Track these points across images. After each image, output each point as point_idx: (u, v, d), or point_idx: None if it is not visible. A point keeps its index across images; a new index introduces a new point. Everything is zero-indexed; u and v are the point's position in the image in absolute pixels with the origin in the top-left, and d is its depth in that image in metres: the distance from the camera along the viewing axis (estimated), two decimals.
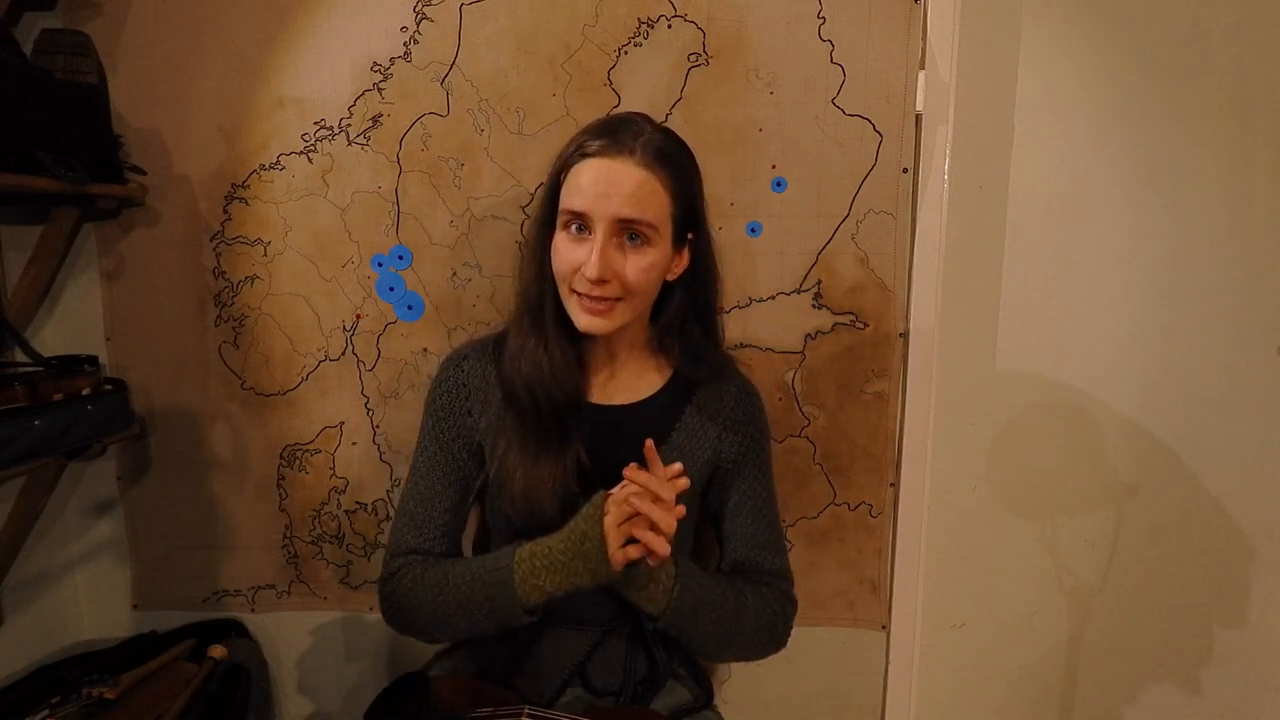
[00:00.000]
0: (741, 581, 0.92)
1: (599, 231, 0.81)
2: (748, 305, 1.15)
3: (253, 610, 1.26)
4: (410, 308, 1.17)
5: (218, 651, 1.14)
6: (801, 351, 1.16)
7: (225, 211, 1.16)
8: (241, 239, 1.16)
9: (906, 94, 1.09)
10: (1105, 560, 1.27)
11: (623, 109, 1.10)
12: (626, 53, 1.10)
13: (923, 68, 1.10)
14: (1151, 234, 1.18)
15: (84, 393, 1.04)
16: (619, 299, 0.83)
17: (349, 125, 1.13)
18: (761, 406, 0.98)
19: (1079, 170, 1.18)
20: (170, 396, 1.20)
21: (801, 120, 1.10)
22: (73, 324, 1.19)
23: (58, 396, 1.00)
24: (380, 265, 1.16)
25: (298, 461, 1.21)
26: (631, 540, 0.80)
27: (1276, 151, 1.15)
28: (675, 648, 0.98)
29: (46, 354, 1.07)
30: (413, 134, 1.13)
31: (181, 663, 1.12)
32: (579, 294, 0.83)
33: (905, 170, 1.11)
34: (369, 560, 1.23)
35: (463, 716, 0.84)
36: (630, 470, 0.80)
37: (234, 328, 1.18)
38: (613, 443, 0.89)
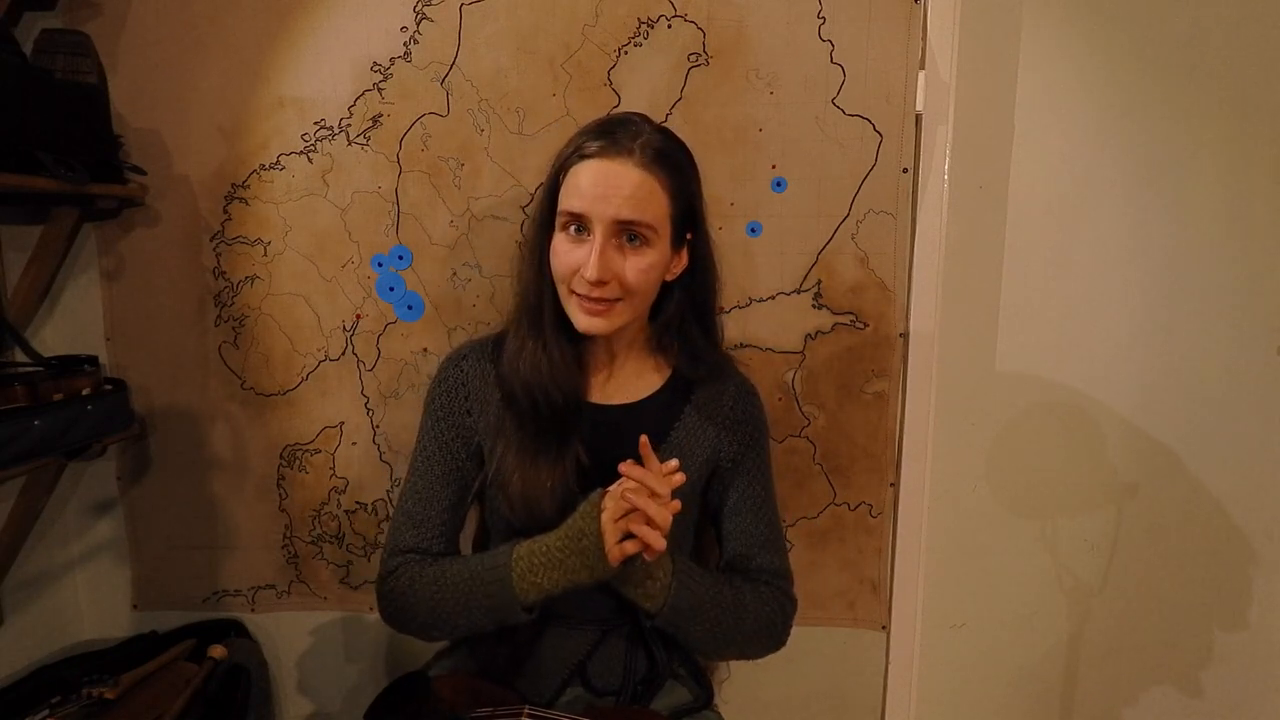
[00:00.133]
0: (741, 580, 0.92)
1: (598, 233, 0.81)
2: (748, 305, 1.15)
3: (253, 610, 1.26)
4: (410, 308, 1.17)
5: (218, 651, 1.14)
6: (801, 351, 1.16)
7: (225, 211, 1.16)
8: (241, 239, 1.17)
9: (906, 94, 1.09)
10: (1105, 560, 1.27)
11: (623, 109, 1.10)
12: (626, 53, 1.10)
13: (923, 68, 1.10)
14: (1151, 234, 1.18)
15: (84, 393, 1.04)
16: (618, 300, 0.84)
17: (349, 125, 1.13)
18: (760, 406, 0.98)
19: (1079, 170, 1.18)
20: (170, 396, 1.20)
21: (801, 120, 1.10)
22: (73, 324, 1.19)
23: (58, 396, 1.00)
24: (380, 265, 1.16)
25: (298, 461, 1.21)
26: (629, 536, 0.80)
27: (1276, 151, 1.15)
28: (675, 647, 0.98)
29: (46, 354, 1.07)
30: (413, 134, 1.13)
31: (181, 663, 1.12)
32: (578, 295, 0.84)
33: (905, 170, 1.11)
34: (369, 560, 1.23)
35: (463, 716, 0.84)
36: (626, 466, 0.80)
37: (234, 328, 1.18)
38: (612, 442, 0.89)
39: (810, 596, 1.21)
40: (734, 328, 1.15)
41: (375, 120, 1.13)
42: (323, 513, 1.22)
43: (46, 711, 1.01)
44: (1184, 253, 1.18)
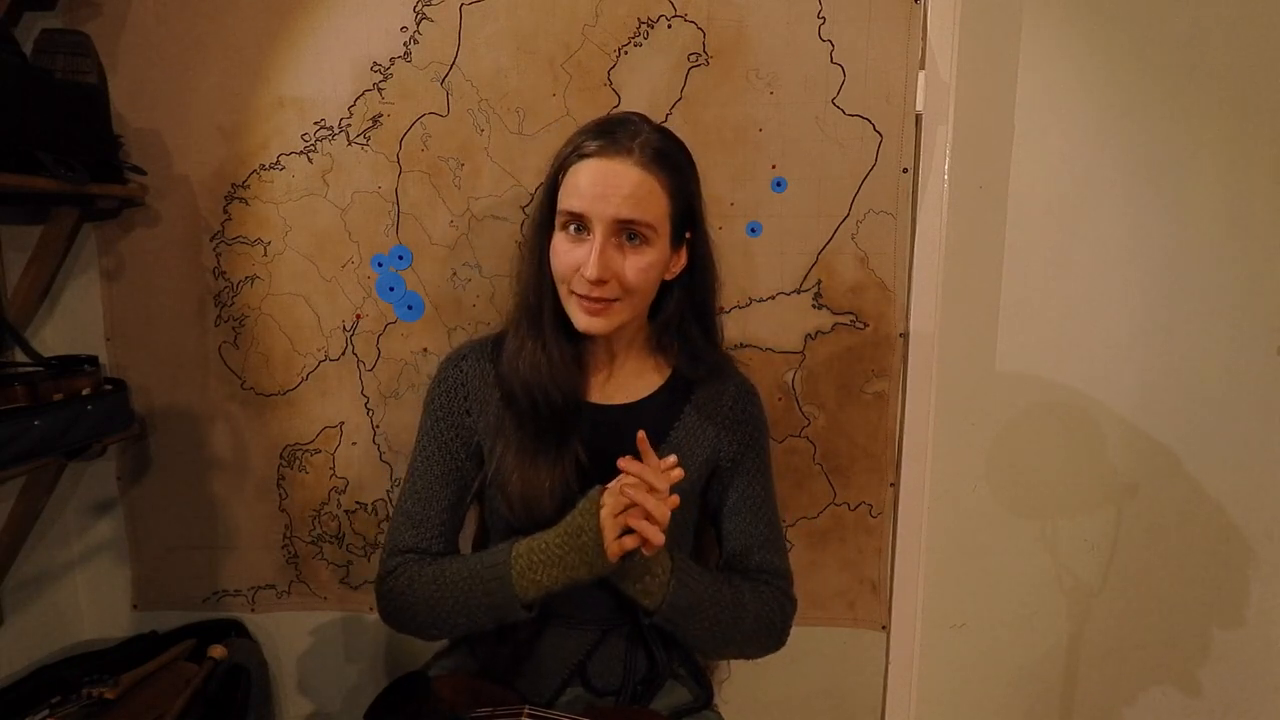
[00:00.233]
0: (740, 580, 0.92)
1: (597, 232, 0.81)
2: (748, 305, 1.15)
3: (253, 610, 1.26)
4: (410, 308, 1.17)
5: (218, 651, 1.14)
6: (801, 351, 1.16)
7: (225, 211, 1.16)
8: (241, 239, 1.17)
9: (906, 94, 1.09)
10: (1105, 560, 1.27)
11: (623, 109, 1.10)
12: (626, 53, 1.10)
13: (923, 68, 1.10)
14: (1151, 234, 1.18)
15: (84, 393, 1.04)
16: (617, 299, 0.84)
17: (349, 125, 1.13)
18: (760, 405, 0.98)
19: (1079, 170, 1.18)
20: (170, 396, 1.20)
21: (801, 120, 1.10)
22: (73, 324, 1.19)
23: (58, 396, 1.00)
24: (380, 265, 1.16)
25: (298, 461, 1.21)
26: (628, 531, 0.80)
27: (1276, 151, 1.15)
28: (675, 647, 0.98)
29: (46, 354, 1.07)
30: (413, 134, 1.13)
31: (181, 663, 1.12)
32: (578, 295, 0.84)
33: (905, 170, 1.11)
34: (369, 560, 1.23)
35: (463, 716, 0.84)
36: (624, 462, 0.80)
37: (234, 328, 1.18)
38: (612, 442, 0.89)
39: (810, 596, 1.21)
40: (734, 328, 1.15)
41: (375, 120, 1.13)
42: (323, 513, 1.22)
43: (46, 711, 1.01)
44: (1184, 253, 1.18)
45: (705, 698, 0.97)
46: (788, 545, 1.13)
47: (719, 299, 0.99)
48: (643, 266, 0.83)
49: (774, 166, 1.11)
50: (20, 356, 1.08)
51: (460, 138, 1.13)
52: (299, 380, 1.19)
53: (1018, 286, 1.20)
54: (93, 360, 1.08)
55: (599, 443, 0.89)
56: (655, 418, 0.93)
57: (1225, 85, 1.14)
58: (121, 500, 1.24)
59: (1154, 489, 1.24)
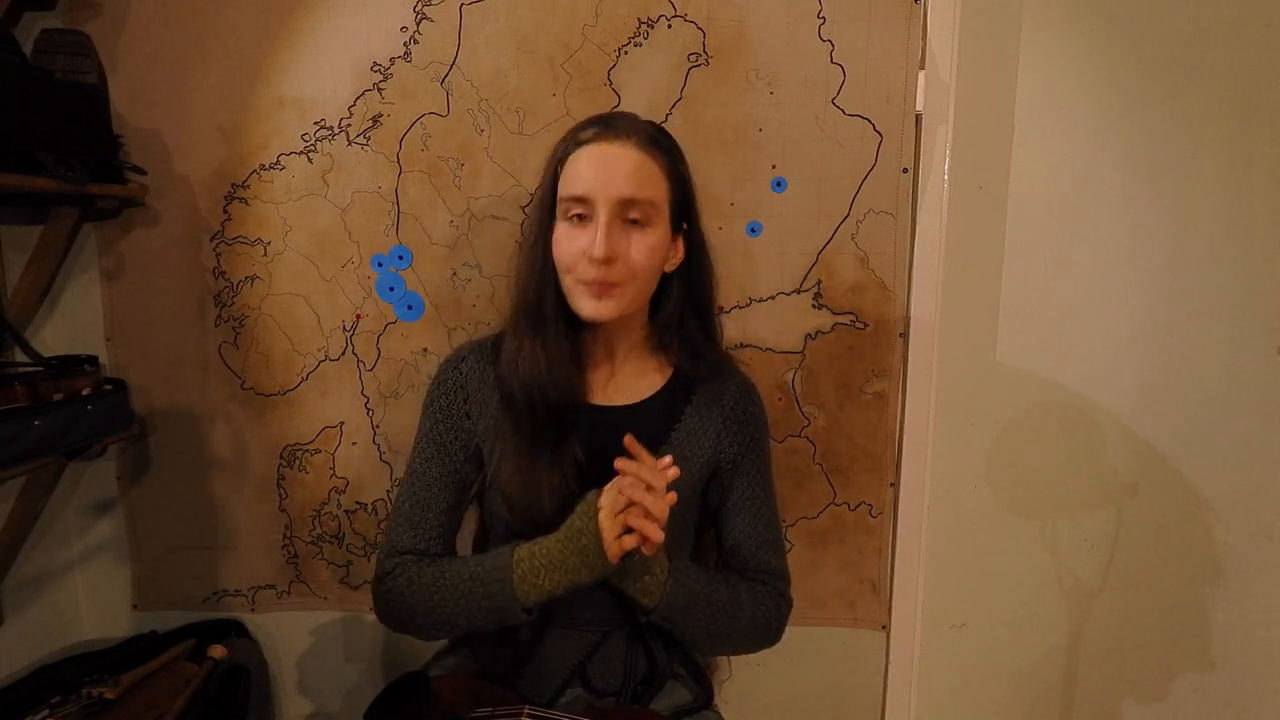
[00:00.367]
0: (737, 579, 0.92)
1: (601, 213, 0.81)
2: (748, 305, 1.15)
3: (253, 610, 1.26)
4: (410, 308, 1.17)
5: (218, 651, 1.14)
6: (801, 351, 1.16)
7: (225, 211, 1.16)
8: (241, 239, 1.17)
9: (906, 94, 1.09)
10: (1105, 560, 1.27)
11: (623, 109, 1.11)
12: (626, 53, 1.10)
13: (923, 68, 1.10)
14: (1151, 234, 1.18)
15: (84, 393, 1.04)
16: (623, 282, 0.83)
17: (349, 125, 1.13)
18: (761, 406, 0.98)
19: (1079, 170, 1.18)
20: (170, 396, 1.20)
21: (801, 120, 1.10)
22: (73, 324, 1.19)
23: (58, 396, 1.00)
24: (380, 265, 1.16)
25: (298, 461, 1.21)
26: (628, 531, 0.80)
27: (1276, 151, 1.15)
28: (675, 647, 0.98)
29: (46, 354, 1.07)
30: (413, 134, 1.13)
31: (181, 663, 1.12)
32: (583, 281, 0.83)
33: (905, 170, 1.11)
34: (369, 560, 1.23)
35: (463, 716, 0.84)
36: (621, 463, 0.80)
37: (234, 328, 1.18)
38: (612, 444, 0.89)
39: (810, 596, 1.21)
40: (734, 328, 1.15)
41: (375, 120, 1.13)
42: (323, 513, 1.22)
43: (46, 711, 1.01)
44: (1184, 253, 1.18)
45: (705, 698, 0.97)
46: (787, 545, 1.13)
47: (718, 297, 0.99)
48: (647, 246, 0.83)
49: (774, 166, 1.11)
50: (20, 356, 1.09)
51: (460, 138, 1.13)
52: (299, 380, 1.19)
53: (1018, 286, 1.20)
54: (93, 360, 1.08)
55: (599, 444, 0.89)
56: (656, 419, 0.93)
57: (1225, 85, 1.14)
58: (121, 500, 1.24)
59: (1154, 489, 1.24)
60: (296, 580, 1.25)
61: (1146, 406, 1.22)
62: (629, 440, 0.81)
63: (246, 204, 1.16)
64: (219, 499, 1.22)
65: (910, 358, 1.17)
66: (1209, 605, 1.26)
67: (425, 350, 1.17)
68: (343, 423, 1.20)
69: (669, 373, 0.95)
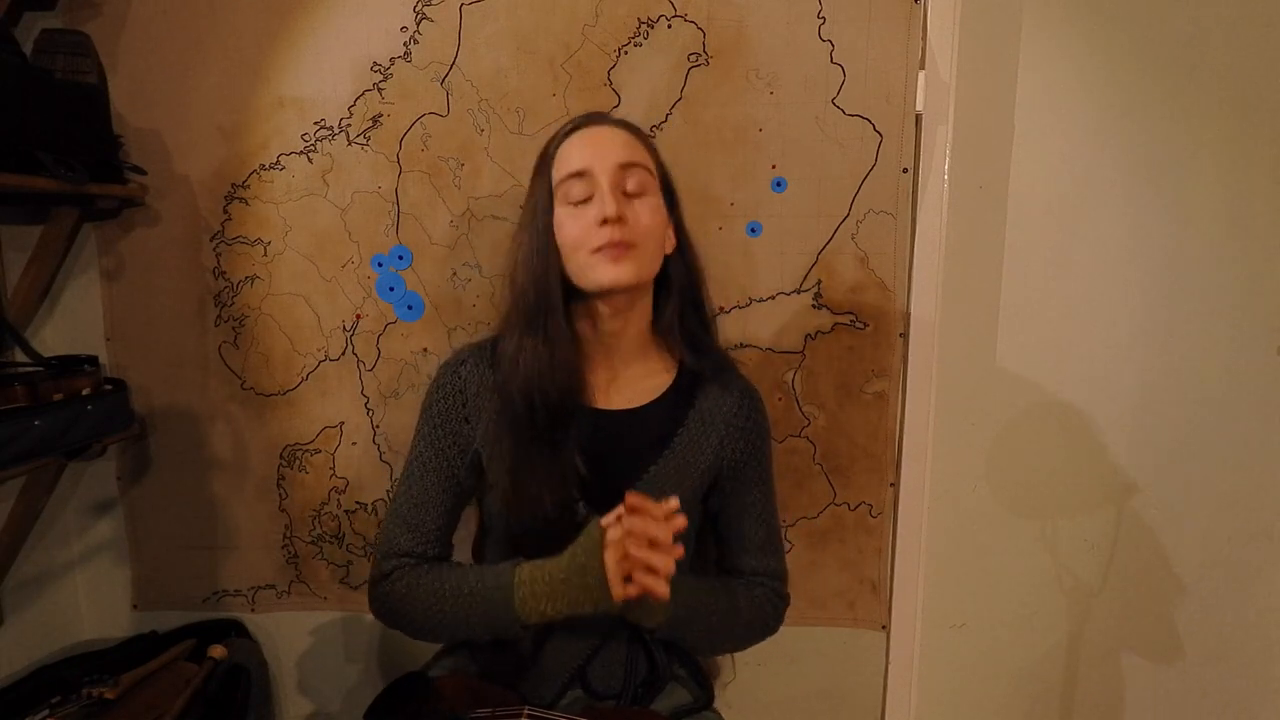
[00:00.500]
0: (734, 583, 0.94)
1: (603, 180, 0.84)
2: (748, 305, 1.15)
3: (253, 610, 1.26)
4: (410, 308, 1.17)
5: (218, 651, 1.14)
6: (801, 351, 1.16)
7: (225, 211, 1.16)
8: (241, 239, 1.17)
9: (906, 94, 1.09)
10: (1105, 560, 1.27)
11: (623, 109, 1.11)
12: (626, 53, 1.10)
13: (923, 68, 1.10)
14: (1151, 234, 1.18)
15: (84, 393, 1.04)
16: (636, 244, 0.84)
17: (349, 125, 1.13)
18: (764, 412, 0.98)
19: (1079, 170, 1.18)
20: (170, 396, 1.20)
21: (801, 120, 1.10)
22: (73, 324, 1.19)
23: (58, 396, 1.00)
24: (380, 265, 1.16)
25: (298, 461, 1.21)
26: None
27: (1276, 151, 1.14)
28: (675, 649, 0.98)
29: (46, 354, 1.07)
30: (413, 134, 1.13)
31: (181, 663, 1.12)
32: (598, 250, 0.83)
33: (905, 170, 1.11)
34: (369, 560, 1.23)
35: (463, 716, 0.84)
36: (630, 501, 0.78)
37: (234, 328, 1.18)
38: (615, 448, 0.89)
39: (810, 596, 1.21)
40: (734, 328, 1.15)
41: (375, 120, 1.13)
42: (323, 513, 1.22)
43: (46, 711, 1.01)
44: (1184, 253, 1.18)
45: (705, 699, 0.97)
46: (787, 545, 1.13)
47: (710, 294, 0.99)
48: (650, 208, 0.86)
49: (774, 166, 1.11)
50: (20, 356, 1.08)
51: (460, 138, 1.13)
52: (299, 380, 1.19)
53: (1018, 286, 1.20)
54: (93, 360, 1.08)
55: (601, 449, 0.89)
56: (659, 424, 0.92)
57: (1225, 85, 1.14)
58: (121, 500, 1.24)
59: (1154, 489, 1.24)
60: (296, 580, 1.25)
61: (1146, 406, 1.22)
62: (629, 498, 0.78)
63: (246, 204, 1.16)
64: (219, 499, 1.22)
65: (910, 358, 1.16)
66: (1209, 605, 1.26)
67: (425, 350, 1.17)
68: (343, 423, 1.20)
69: (673, 373, 0.95)
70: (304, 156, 1.14)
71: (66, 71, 1.04)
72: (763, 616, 0.94)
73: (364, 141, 1.13)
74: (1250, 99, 1.14)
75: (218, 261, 1.17)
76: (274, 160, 1.14)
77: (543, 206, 0.87)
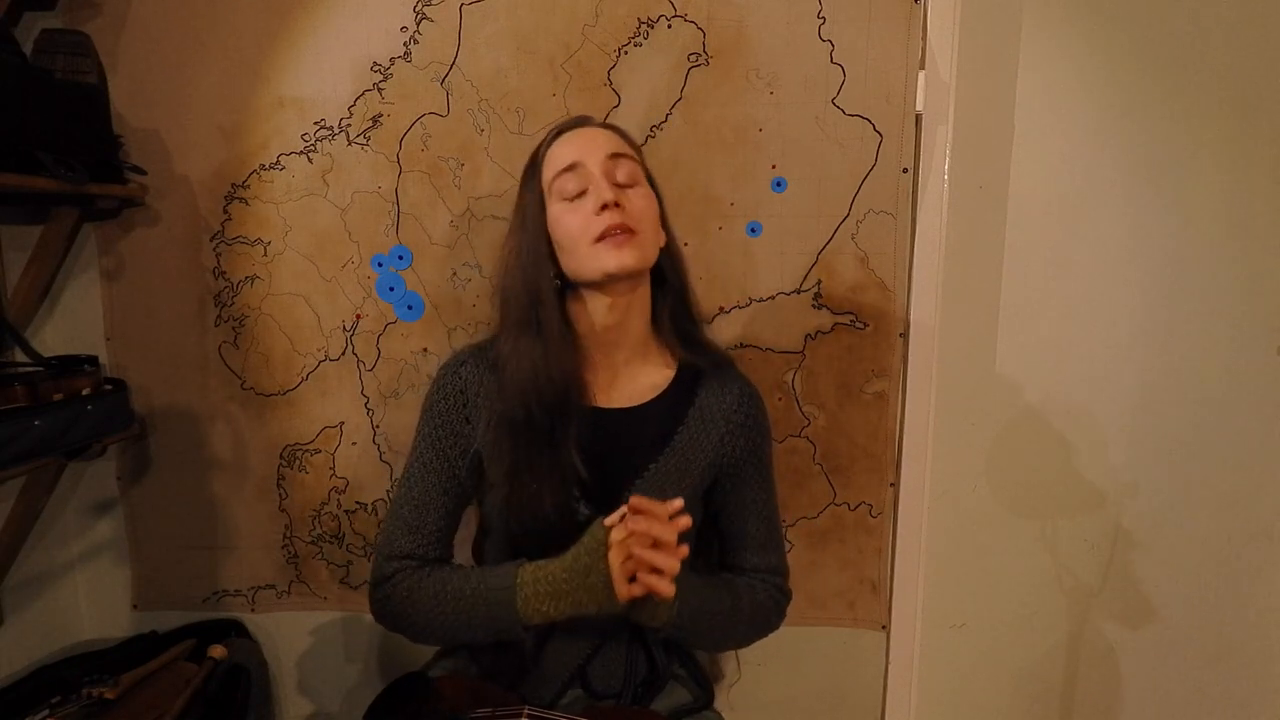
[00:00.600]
0: (736, 580, 0.94)
1: (595, 169, 0.85)
2: (748, 305, 1.15)
3: (253, 610, 1.26)
4: (410, 308, 1.17)
5: (218, 651, 1.14)
6: (801, 351, 1.16)
7: (225, 211, 1.16)
8: (241, 239, 1.17)
9: (906, 94, 1.09)
10: (1105, 560, 1.27)
11: (623, 109, 1.11)
12: (626, 53, 1.10)
13: (923, 68, 1.10)
14: (1151, 234, 1.18)
15: (84, 393, 1.04)
16: (636, 230, 0.84)
17: (349, 125, 1.13)
18: (764, 410, 0.98)
19: (1079, 170, 1.18)
20: (170, 396, 1.20)
21: (801, 120, 1.10)
22: (73, 324, 1.19)
23: (58, 396, 1.00)
24: (380, 265, 1.16)
25: (298, 461, 1.21)
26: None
27: (1276, 151, 1.14)
28: (675, 649, 0.98)
29: (46, 354, 1.07)
30: (413, 134, 1.13)
31: (181, 663, 1.12)
32: (600, 238, 0.83)
33: (905, 170, 1.11)
34: (369, 560, 1.23)
35: (463, 717, 0.84)
36: (633, 503, 0.79)
37: (234, 328, 1.18)
38: (615, 446, 0.89)
39: (810, 596, 1.21)
40: (734, 328, 1.15)
41: (375, 120, 1.13)
42: (323, 513, 1.22)
43: (46, 711, 1.01)
44: (1184, 253, 1.18)
45: (705, 699, 0.97)
46: (787, 545, 1.13)
47: (710, 294, 0.99)
48: (643, 196, 0.88)
49: (774, 166, 1.11)
50: (20, 356, 1.08)
51: (460, 138, 1.13)
52: (299, 380, 1.19)
53: (1018, 286, 1.20)
54: (93, 360, 1.08)
55: (601, 448, 0.89)
56: (659, 422, 0.92)
57: (1225, 85, 1.14)
58: (121, 500, 1.24)
59: (1154, 489, 1.24)
60: (296, 580, 1.25)
61: (1146, 406, 1.22)
62: (633, 500, 0.79)
63: (246, 204, 1.16)
64: (219, 499, 1.22)
65: (910, 358, 1.16)
66: (1209, 605, 1.26)
67: (425, 350, 1.17)
68: (343, 423, 1.20)
69: (673, 371, 0.95)
70: (304, 156, 1.14)
71: (66, 71, 1.04)
72: (765, 613, 0.95)
73: (364, 141, 1.13)
74: (1250, 99, 1.14)
75: (218, 261, 1.17)
76: (274, 160, 1.14)
77: (534, 210, 0.89)
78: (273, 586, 1.25)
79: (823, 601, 1.22)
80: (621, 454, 0.85)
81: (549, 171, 0.88)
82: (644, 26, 1.09)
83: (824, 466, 1.18)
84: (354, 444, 1.20)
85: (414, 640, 0.91)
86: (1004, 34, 1.15)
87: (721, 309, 1.15)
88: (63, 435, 0.99)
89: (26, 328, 1.15)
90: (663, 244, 0.91)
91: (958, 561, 1.26)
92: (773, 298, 1.14)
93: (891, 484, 1.19)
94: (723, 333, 1.15)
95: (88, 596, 1.27)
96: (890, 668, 1.23)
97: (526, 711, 0.85)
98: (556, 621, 0.83)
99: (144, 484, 1.23)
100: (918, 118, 1.11)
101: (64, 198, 1.05)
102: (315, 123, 1.13)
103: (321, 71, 1.12)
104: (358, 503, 1.22)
